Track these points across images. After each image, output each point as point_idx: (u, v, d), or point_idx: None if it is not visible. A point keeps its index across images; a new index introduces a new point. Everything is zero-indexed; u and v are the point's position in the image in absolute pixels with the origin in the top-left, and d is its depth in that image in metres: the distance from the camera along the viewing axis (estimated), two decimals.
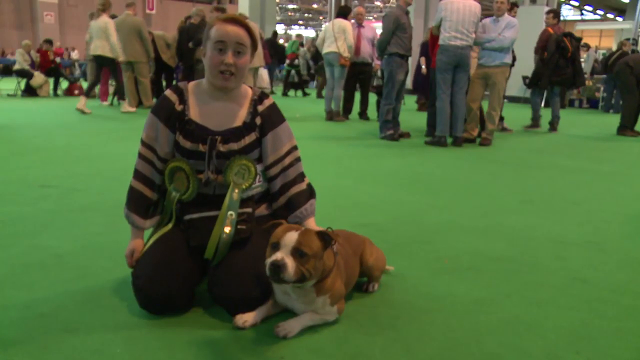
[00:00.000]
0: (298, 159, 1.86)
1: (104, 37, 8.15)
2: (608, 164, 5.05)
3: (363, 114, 8.42)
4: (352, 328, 1.61)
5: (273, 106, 1.84)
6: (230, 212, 1.70)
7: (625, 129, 7.54)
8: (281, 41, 16.56)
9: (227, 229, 1.68)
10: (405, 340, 1.54)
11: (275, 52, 13.19)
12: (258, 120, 1.80)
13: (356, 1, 28.96)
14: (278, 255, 1.45)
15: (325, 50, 7.85)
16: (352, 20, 7.97)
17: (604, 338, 1.60)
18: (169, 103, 1.77)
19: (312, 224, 1.82)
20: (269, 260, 1.46)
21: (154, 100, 8.78)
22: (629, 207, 3.37)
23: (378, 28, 8.24)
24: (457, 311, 1.75)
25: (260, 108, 1.81)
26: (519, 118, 8.65)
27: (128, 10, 8.62)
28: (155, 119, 1.77)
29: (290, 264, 1.44)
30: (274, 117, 1.82)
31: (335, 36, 7.58)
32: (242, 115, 1.79)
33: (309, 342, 1.52)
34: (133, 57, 8.65)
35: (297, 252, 1.46)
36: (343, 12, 7.97)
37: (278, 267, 1.43)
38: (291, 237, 1.48)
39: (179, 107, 1.76)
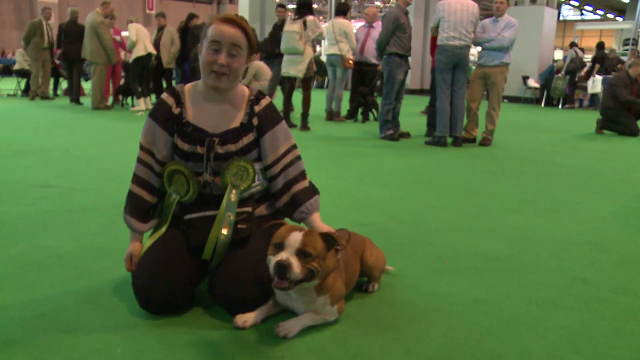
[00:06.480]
0: (298, 157, 1.85)
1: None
2: (608, 164, 5.05)
3: (365, 113, 8.42)
4: (352, 328, 1.61)
5: (270, 106, 1.83)
6: (228, 214, 1.70)
7: None
8: None
9: (224, 231, 1.68)
10: (405, 340, 1.54)
11: None
12: (255, 121, 1.79)
13: (356, 1, 28.90)
14: (283, 255, 1.45)
15: (327, 51, 7.88)
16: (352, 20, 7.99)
17: (604, 338, 1.60)
18: (165, 106, 1.76)
19: (317, 218, 1.82)
20: (274, 260, 1.45)
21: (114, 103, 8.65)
22: (629, 206, 3.37)
23: (379, 28, 8.26)
24: (457, 311, 1.75)
25: (257, 108, 1.80)
26: (516, 118, 8.66)
27: (98, 9, 8.36)
28: (153, 122, 1.77)
29: (296, 263, 1.45)
30: (271, 117, 1.81)
31: (337, 38, 7.57)
32: (239, 116, 1.78)
33: (309, 342, 1.52)
34: (89, 57, 8.47)
35: (302, 253, 1.47)
36: (342, 10, 7.94)
37: (284, 267, 1.43)
38: (295, 238, 1.48)
39: (176, 110, 1.75)
